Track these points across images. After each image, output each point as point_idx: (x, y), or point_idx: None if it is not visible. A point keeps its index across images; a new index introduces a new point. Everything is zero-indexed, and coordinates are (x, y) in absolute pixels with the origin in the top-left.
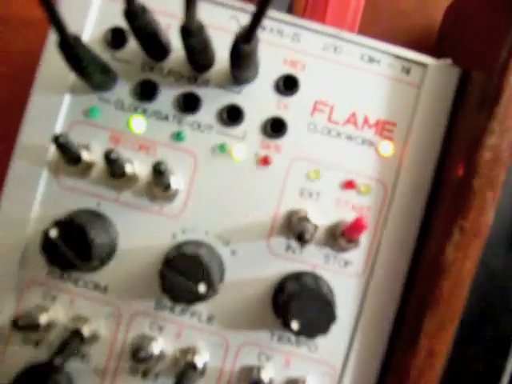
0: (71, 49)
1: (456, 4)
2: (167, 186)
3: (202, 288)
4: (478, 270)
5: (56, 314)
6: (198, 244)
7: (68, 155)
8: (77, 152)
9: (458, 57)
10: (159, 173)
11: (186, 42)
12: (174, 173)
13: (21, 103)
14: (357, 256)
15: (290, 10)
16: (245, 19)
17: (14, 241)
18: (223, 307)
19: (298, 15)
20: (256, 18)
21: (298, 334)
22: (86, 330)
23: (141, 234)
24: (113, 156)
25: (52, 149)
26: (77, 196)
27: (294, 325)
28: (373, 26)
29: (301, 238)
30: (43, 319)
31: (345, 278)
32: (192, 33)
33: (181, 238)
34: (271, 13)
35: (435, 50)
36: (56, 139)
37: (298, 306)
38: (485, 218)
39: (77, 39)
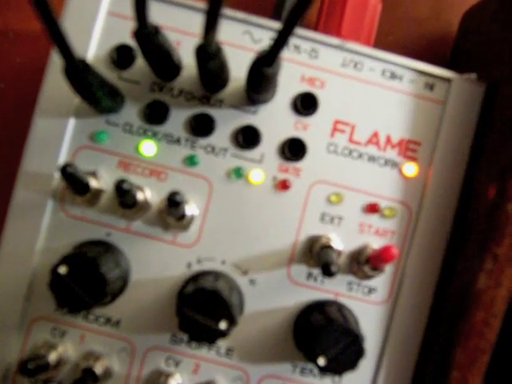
0: (78, 75)
1: (473, 10)
2: (182, 216)
3: (223, 325)
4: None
5: (65, 350)
6: (215, 275)
7: (75, 185)
8: (85, 181)
9: (480, 66)
10: (175, 204)
11: (203, 65)
12: (187, 200)
13: (20, 120)
14: (381, 283)
15: (302, 22)
16: (259, 35)
17: (19, 274)
18: (242, 339)
19: (309, 28)
20: (281, 38)
21: (324, 370)
22: (99, 368)
23: (154, 265)
24: (125, 187)
25: (57, 176)
26: (85, 226)
27: (321, 361)
28: (387, 35)
29: (327, 271)
30: (52, 357)
31: (369, 306)
32: (210, 56)
33: (196, 267)
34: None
35: (452, 58)
36: (63, 169)
37: (324, 341)
38: None
39: (84, 64)
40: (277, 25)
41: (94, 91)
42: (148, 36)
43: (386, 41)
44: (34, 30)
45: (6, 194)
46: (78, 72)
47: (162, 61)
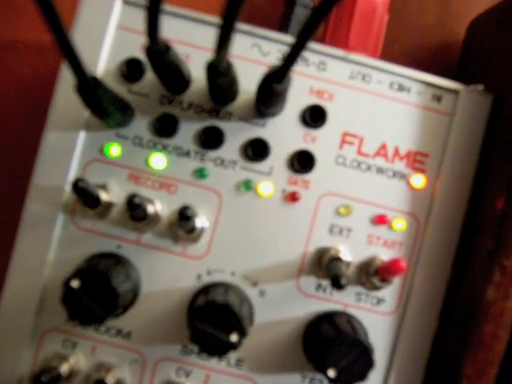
0: (90, 92)
1: (479, 19)
2: (192, 229)
3: (234, 338)
4: None
5: (77, 361)
6: (225, 287)
7: (87, 199)
8: (96, 195)
9: (486, 75)
10: (186, 218)
11: (213, 81)
12: (197, 212)
13: (29, 128)
14: (389, 293)
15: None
16: (268, 47)
17: (31, 286)
18: (252, 350)
19: (316, 40)
20: (291, 55)
21: (334, 381)
22: (110, 379)
23: (164, 277)
24: (136, 201)
25: (68, 189)
26: (95, 238)
27: (331, 373)
28: (394, 43)
29: (336, 284)
30: (64, 369)
31: (377, 317)
32: (220, 73)
33: (206, 279)
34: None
35: (459, 66)
36: (75, 184)
37: (334, 353)
38: None
39: (96, 81)
40: (285, 38)
41: (105, 107)
42: (159, 53)
43: (392, 49)
44: (42, 41)
45: (16, 205)
46: (90, 89)
47: (173, 76)
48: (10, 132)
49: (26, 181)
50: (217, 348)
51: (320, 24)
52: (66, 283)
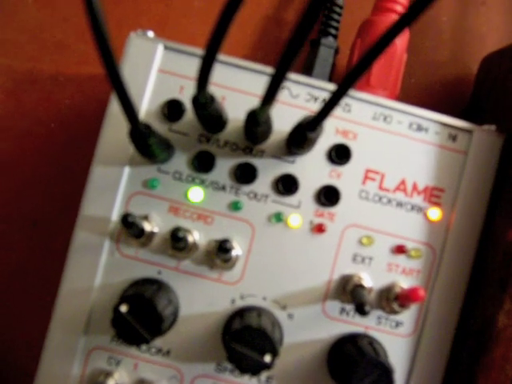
0: (143, 139)
1: (492, 57)
2: (228, 259)
3: (267, 359)
4: None
5: (120, 377)
6: (258, 311)
7: (133, 231)
8: (141, 227)
9: (497, 114)
10: (225, 251)
11: (251, 127)
12: (232, 242)
13: (67, 156)
14: (407, 317)
15: (331, 78)
16: (296, 90)
17: (79, 308)
18: (281, 368)
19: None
20: (327, 108)
21: None
22: None
23: (201, 300)
24: (180, 235)
25: (113, 218)
26: (138, 264)
27: None
28: (410, 78)
29: (361, 310)
30: None
31: (396, 339)
32: (259, 124)
33: (240, 303)
34: (321, 83)
35: (470, 103)
36: (124, 219)
37: (358, 373)
38: None
39: (148, 128)
40: (313, 82)
41: (153, 150)
42: (205, 104)
43: (408, 83)
44: (80, 73)
45: (58, 229)
46: (142, 136)
47: (213, 121)
48: (50, 157)
49: (73, 210)
50: (252, 367)
51: (360, 78)
52: (116, 308)
